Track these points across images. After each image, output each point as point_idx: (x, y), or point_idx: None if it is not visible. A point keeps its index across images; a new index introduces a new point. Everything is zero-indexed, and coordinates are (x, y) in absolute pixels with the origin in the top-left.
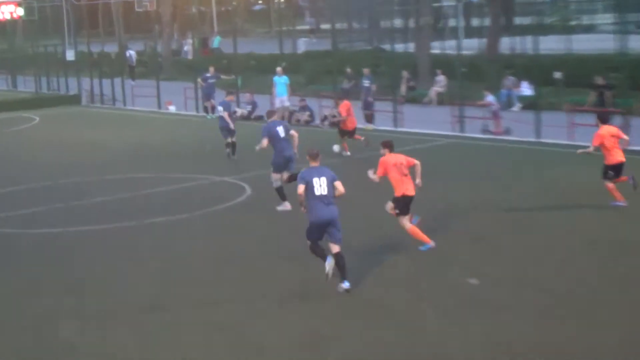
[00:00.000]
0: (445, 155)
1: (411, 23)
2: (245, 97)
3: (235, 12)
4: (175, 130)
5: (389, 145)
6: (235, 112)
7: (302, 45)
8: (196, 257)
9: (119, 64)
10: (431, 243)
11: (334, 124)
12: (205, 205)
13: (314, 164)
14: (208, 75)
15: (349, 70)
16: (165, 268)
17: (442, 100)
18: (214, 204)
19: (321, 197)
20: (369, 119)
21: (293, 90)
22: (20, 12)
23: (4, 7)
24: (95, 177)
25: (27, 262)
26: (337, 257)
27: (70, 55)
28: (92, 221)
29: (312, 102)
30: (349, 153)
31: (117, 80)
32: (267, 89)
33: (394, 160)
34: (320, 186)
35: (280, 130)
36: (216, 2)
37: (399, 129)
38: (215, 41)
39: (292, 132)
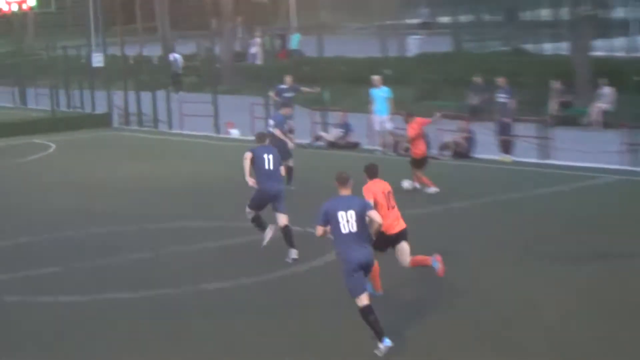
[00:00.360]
0: (611, 198)
1: (564, 14)
2: (335, 116)
3: None
4: (239, 162)
5: (370, 171)
6: (320, 136)
7: (413, 45)
8: (262, 339)
9: (163, 71)
10: (380, 291)
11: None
12: (279, 265)
13: (343, 192)
14: (284, 86)
15: (477, 79)
16: (220, 354)
17: (608, 121)
18: (292, 263)
19: (350, 235)
20: (506, 147)
21: (399, 107)
22: (31, 2)
23: None
24: (132, 227)
25: (39, 343)
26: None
27: (97, 60)
28: (128, 286)
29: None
30: (434, 188)
31: (161, 94)
32: (364, 105)
33: (380, 187)
34: (348, 222)
35: (268, 159)
36: None
37: (548, 162)
38: (294, 40)
39: (283, 168)
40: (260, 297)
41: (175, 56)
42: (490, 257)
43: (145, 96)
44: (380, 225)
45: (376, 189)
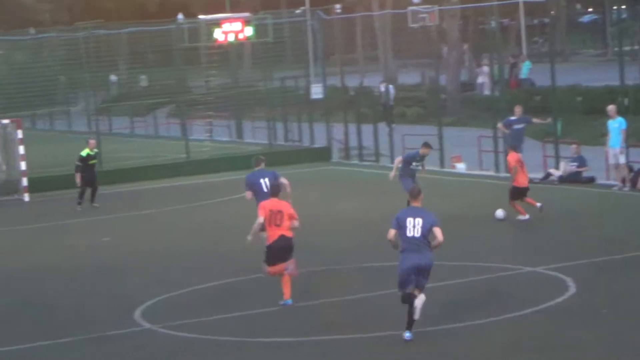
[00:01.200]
0: None
1: None
2: (570, 149)
3: (555, 25)
4: (465, 198)
5: (272, 190)
6: (549, 174)
7: None
8: None
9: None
10: (289, 301)
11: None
12: (508, 307)
13: (414, 204)
14: (513, 118)
15: None
16: None
17: None
18: (520, 306)
19: (413, 239)
20: None
21: (636, 138)
22: (248, 32)
23: (227, 25)
24: (349, 265)
25: None
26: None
27: (317, 92)
28: (351, 326)
29: None
30: (526, 216)
31: (383, 127)
32: (601, 137)
33: (271, 206)
34: (414, 227)
35: (265, 182)
36: (526, 11)
37: None
38: (524, 68)
39: (283, 179)
40: (513, 335)
41: (388, 87)
42: None
43: (367, 129)
44: (439, 242)
45: (267, 206)
